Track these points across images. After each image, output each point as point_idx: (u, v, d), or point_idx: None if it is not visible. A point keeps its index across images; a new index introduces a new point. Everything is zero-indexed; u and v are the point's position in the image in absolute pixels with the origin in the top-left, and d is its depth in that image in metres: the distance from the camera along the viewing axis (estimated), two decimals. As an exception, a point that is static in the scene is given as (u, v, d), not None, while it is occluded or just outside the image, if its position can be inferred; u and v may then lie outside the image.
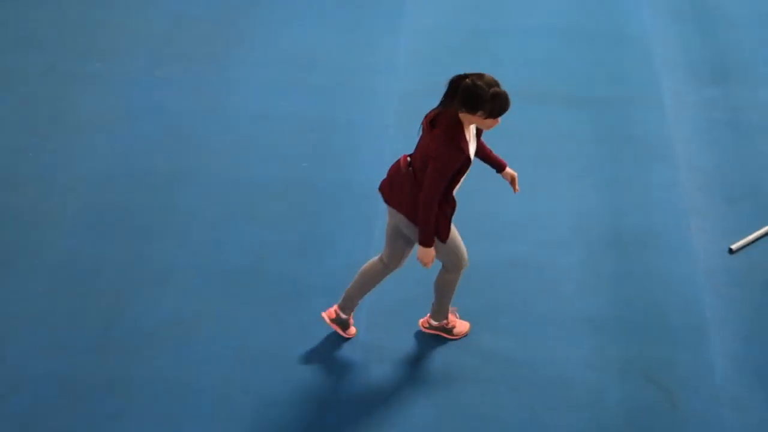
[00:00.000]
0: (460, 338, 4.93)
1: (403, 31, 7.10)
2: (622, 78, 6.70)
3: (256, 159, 6.07)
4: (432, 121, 4.21)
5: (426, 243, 4.33)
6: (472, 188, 5.86)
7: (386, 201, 4.44)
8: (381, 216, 5.66)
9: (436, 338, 4.93)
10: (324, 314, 4.87)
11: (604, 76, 6.72)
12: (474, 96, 4.02)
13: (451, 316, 4.91)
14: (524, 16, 7.24)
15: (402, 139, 6.20)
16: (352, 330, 4.92)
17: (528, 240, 5.51)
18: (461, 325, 4.96)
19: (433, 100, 6.47)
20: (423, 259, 4.38)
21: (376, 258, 4.71)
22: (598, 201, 5.75)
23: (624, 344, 4.92)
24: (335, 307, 4.85)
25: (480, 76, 4.04)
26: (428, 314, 4.93)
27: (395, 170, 4.41)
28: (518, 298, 5.16)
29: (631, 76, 6.71)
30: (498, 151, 6.12)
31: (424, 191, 4.21)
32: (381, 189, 4.48)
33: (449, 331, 4.92)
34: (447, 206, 4.33)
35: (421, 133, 4.69)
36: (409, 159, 4.37)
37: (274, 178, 5.92)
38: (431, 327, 4.94)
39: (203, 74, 6.75)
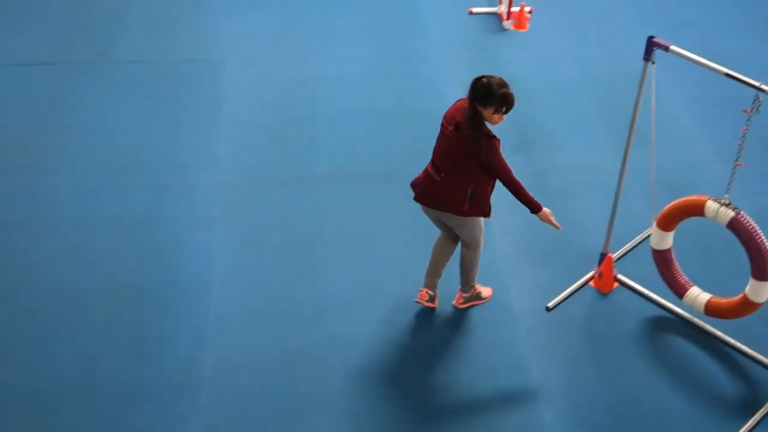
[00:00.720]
0: (489, 300, 5.80)
1: (222, 125, 7.22)
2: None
3: (81, 265, 5.96)
4: (457, 124, 4.96)
5: (536, 209, 5.16)
6: (301, 269, 5.98)
7: (431, 206, 5.26)
8: (213, 306, 5.68)
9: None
10: (417, 300, 5.64)
11: (415, 151, 7.05)
12: (487, 92, 4.83)
13: (476, 285, 5.71)
14: (335, 102, 7.52)
15: (229, 230, 6.27)
16: (435, 301, 5.67)
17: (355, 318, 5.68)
18: (485, 290, 5.82)
19: (256, 190, 6.59)
20: (547, 220, 5.20)
21: (439, 238, 5.52)
22: (422, 272, 6.00)
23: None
24: (423, 290, 5.63)
25: (492, 76, 4.89)
26: (459, 292, 5.71)
27: (428, 181, 5.20)
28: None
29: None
30: (325, 232, 6.30)
31: (503, 179, 5.02)
32: (419, 199, 5.31)
33: (480, 297, 5.77)
34: (489, 186, 5.13)
35: (442, 135, 5.12)
36: (433, 168, 5.15)
37: (102, 283, 5.83)
38: (466, 301, 5.74)
39: (18, 184, 6.60)
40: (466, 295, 5.74)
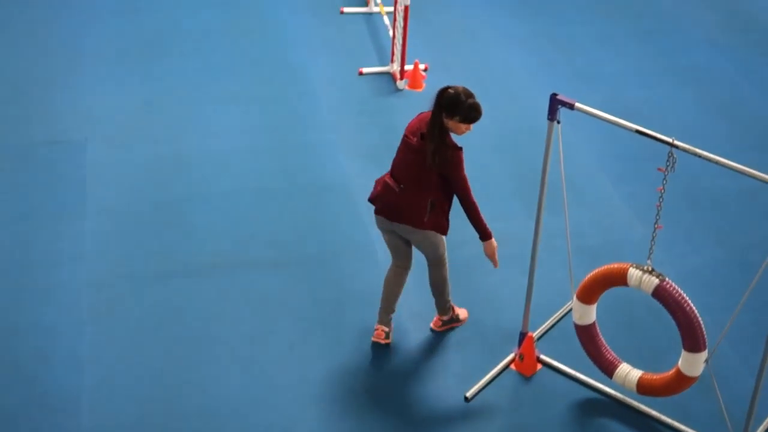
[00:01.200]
0: (465, 322, 6.26)
1: (87, 214, 7.07)
2: (329, 230, 7.05)
3: (-75, 389, 5.68)
4: (423, 134, 5.49)
5: (486, 236, 5.69)
6: (186, 374, 5.84)
7: (390, 219, 5.70)
8: (86, 425, 5.47)
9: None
10: (374, 339, 6.02)
11: (310, 231, 7.04)
12: (454, 102, 5.41)
13: (453, 306, 6.18)
14: (216, 181, 7.47)
15: (101, 334, 6.08)
16: (389, 337, 6.06)
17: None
18: (462, 312, 6.27)
19: (130, 287, 6.44)
20: (491, 252, 5.74)
21: (391, 268, 5.96)
22: (325, 365, 5.93)
23: None
24: (378, 328, 6.01)
25: (458, 87, 5.48)
26: (436, 316, 6.18)
27: (387, 193, 5.68)
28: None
29: (337, 227, 7.08)
30: (212, 330, 6.19)
31: (462, 194, 5.57)
32: (380, 213, 5.73)
33: (458, 319, 6.23)
34: (447, 202, 5.67)
35: (404, 146, 5.65)
36: (392, 180, 5.65)
37: (-49, 409, 5.56)
38: (444, 324, 6.21)
39: None
40: (445, 318, 6.22)
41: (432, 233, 5.73)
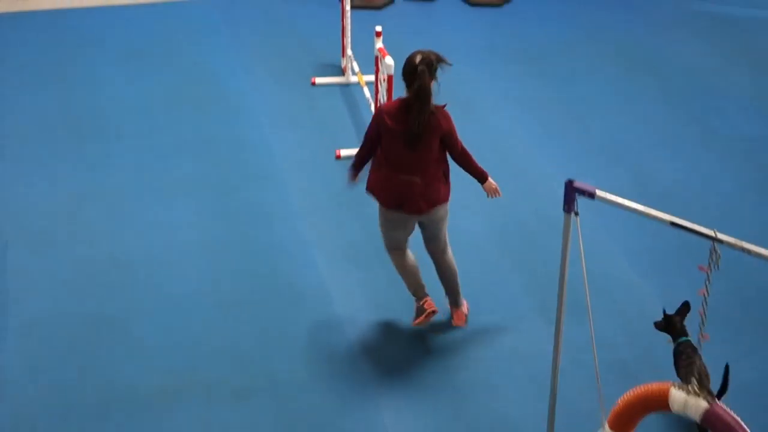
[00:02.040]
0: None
1: (8, 334, 7.02)
2: (303, 348, 6.98)
3: None
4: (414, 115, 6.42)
5: (485, 177, 6.81)
6: None
7: (422, 212, 6.64)
8: None
9: None
10: (430, 310, 6.92)
11: (280, 349, 6.97)
12: (430, 64, 6.45)
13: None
14: (163, 287, 7.45)
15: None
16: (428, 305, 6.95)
17: None
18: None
19: (58, 424, 6.34)
20: (494, 189, 6.84)
21: (399, 254, 6.88)
22: None
23: None
24: (425, 300, 6.96)
25: (413, 55, 6.44)
26: (456, 309, 7.07)
27: (411, 189, 6.54)
28: None
29: (313, 343, 7.00)
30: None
31: (462, 150, 6.65)
32: (410, 211, 6.62)
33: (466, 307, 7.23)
34: (448, 166, 6.69)
35: (395, 137, 6.48)
36: (406, 175, 6.52)
37: None
38: (467, 315, 7.14)
39: None
40: (464, 309, 7.10)
41: (447, 207, 6.81)
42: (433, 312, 6.97)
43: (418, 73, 6.37)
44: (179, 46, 10.91)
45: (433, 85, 6.50)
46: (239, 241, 7.92)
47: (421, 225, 6.86)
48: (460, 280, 7.07)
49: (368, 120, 9.29)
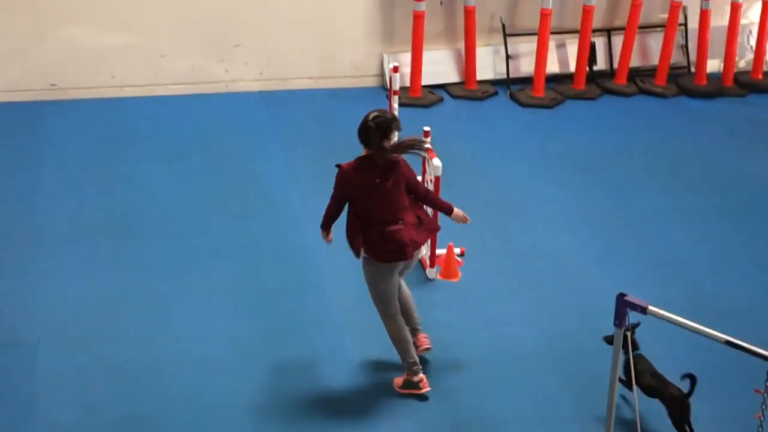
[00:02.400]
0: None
1: (36, 435, 7.21)
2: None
3: None
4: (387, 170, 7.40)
5: (451, 209, 7.80)
6: None
7: (416, 251, 7.58)
8: None
9: None
10: (424, 389, 7.66)
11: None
12: (386, 126, 7.42)
13: None
14: (196, 395, 7.55)
15: None
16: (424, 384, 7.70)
17: None
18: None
19: None
20: (462, 216, 7.84)
21: (397, 318, 7.66)
22: None
23: None
24: (420, 337, 7.94)
25: (368, 117, 7.50)
26: (418, 334, 8.00)
27: (403, 236, 7.41)
28: None
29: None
30: None
31: (425, 190, 7.81)
32: (410, 252, 7.50)
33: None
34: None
35: (373, 193, 7.42)
36: (394, 225, 7.42)
37: None
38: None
39: None
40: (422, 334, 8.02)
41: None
42: (424, 395, 7.66)
43: (369, 130, 7.37)
44: (224, 145, 11.21)
45: (389, 141, 7.39)
46: (277, 350, 8.07)
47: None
48: (502, 391, 7.35)
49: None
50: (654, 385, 7.24)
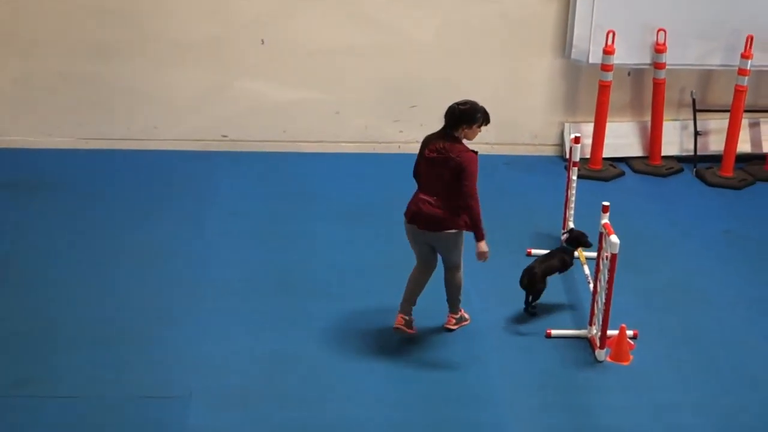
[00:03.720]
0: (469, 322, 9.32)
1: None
2: None
3: None
4: (442, 149, 8.59)
5: (482, 237, 8.73)
6: None
7: (428, 230, 8.74)
8: None
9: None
10: (395, 326, 9.10)
11: None
12: (470, 114, 8.61)
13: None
14: None
15: None
16: (414, 328, 9.17)
17: None
18: (465, 313, 9.41)
19: None
20: (484, 252, 8.79)
21: (417, 268, 9.04)
22: None
23: None
24: (399, 315, 9.13)
25: (459, 103, 8.64)
26: (449, 315, 9.27)
27: (425, 208, 8.68)
28: None
29: None
30: None
31: (469, 197, 8.57)
32: (420, 227, 8.75)
33: (465, 318, 9.37)
34: (478, 204, 8.65)
35: (427, 160, 8.67)
36: (426, 196, 8.71)
37: None
38: (457, 322, 9.31)
39: None
40: (456, 316, 9.28)
41: (458, 239, 8.80)
42: (399, 328, 9.10)
43: (452, 112, 8.57)
44: (396, 209, 11.39)
45: (471, 130, 8.62)
46: (434, 421, 8.17)
47: (432, 247, 8.91)
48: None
49: (585, 301, 9.61)
50: None
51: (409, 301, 9.13)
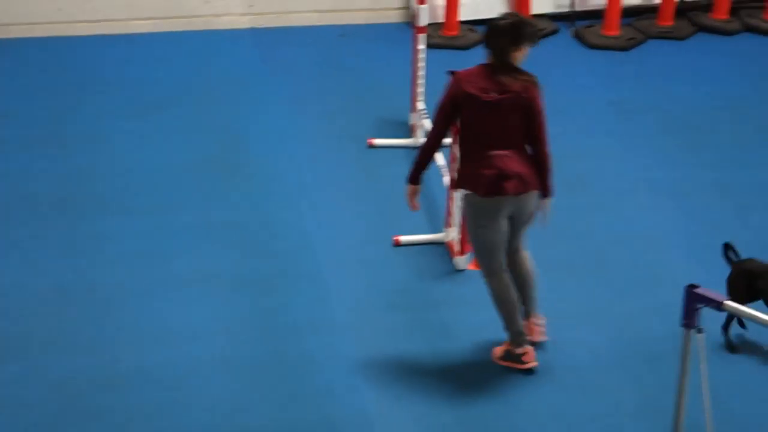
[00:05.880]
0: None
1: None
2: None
3: None
4: (501, 88, 7.66)
5: (551, 193, 8.07)
6: None
7: (521, 192, 7.78)
8: None
9: None
10: (530, 363, 8.06)
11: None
12: (525, 29, 7.69)
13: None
14: (168, 411, 7.68)
15: None
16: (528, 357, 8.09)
17: None
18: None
19: None
20: (547, 212, 8.06)
21: (503, 276, 7.95)
22: None
23: None
24: (528, 350, 8.07)
25: (504, 16, 7.79)
26: (534, 317, 8.28)
27: (508, 168, 7.71)
28: None
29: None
30: None
31: (544, 139, 7.88)
32: (510, 191, 7.72)
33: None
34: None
35: (483, 109, 7.70)
36: (500, 151, 7.74)
37: None
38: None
39: None
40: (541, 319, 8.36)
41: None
42: (530, 370, 8.07)
43: (500, 32, 7.66)
44: (206, 97, 11.48)
45: (522, 51, 7.73)
46: (266, 358, 8.18)
47: (510, 219, 7.90)
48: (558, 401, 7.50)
49: (441, 199, 9.68)
50: None
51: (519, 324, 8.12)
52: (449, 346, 8.24)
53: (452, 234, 9.14)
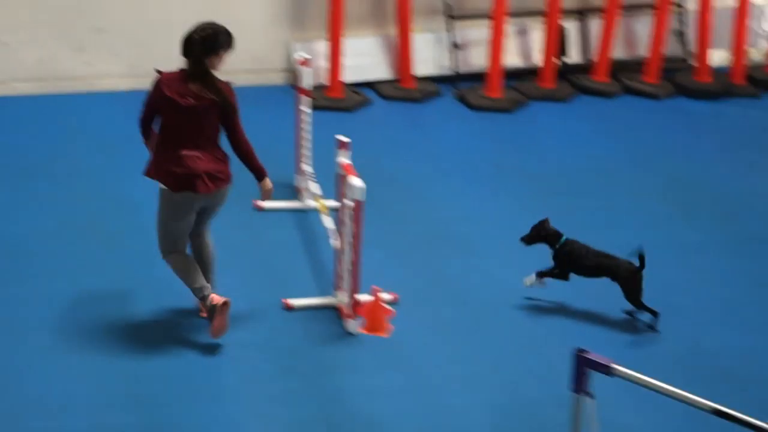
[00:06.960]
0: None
1: None
2: None
3: None
4: (195, 94, 8.47)
5: (264, 174, 8.98)
6: None
7: (208, 192, 8.64)
8: None
9: None
10: (213, 303, 8.76)
11: None
12: (218, 38, 8.55)
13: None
14: None
15: None
16: (217, 300, 8.80)
17: None
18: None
19: None
20: (270, 189, 9.01)
21: (181, 256, 8.93)
22: None
23: None
24: (201, 308, 9.02)
25: (203, 25, 8.57)
26: (211, 296, 8.86)
27: (197, 167, 8.57)
28: None
29: None
30: None
31: (242, 138, 8.78)
32: (201, 190, 8.59)
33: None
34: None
35: (179, 111, 8.52)
36: (189, 151, 8.57)
37: None
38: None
39: None
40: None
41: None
42: (226, 303, 8.79)
43: (193, 43, 8.49)
44: (84, 161, 11.57)
45: (220, 57, 8.62)
46: (153, 428, 8.13)
47: (201, 211, 8.84)
48: None
49: (327, 257, 9.77)
50: (604, 262, 9.37)
51: (203, 287, 8.96)
52: (342, 412, 8.29)
53: (342, 297, 9.25)
